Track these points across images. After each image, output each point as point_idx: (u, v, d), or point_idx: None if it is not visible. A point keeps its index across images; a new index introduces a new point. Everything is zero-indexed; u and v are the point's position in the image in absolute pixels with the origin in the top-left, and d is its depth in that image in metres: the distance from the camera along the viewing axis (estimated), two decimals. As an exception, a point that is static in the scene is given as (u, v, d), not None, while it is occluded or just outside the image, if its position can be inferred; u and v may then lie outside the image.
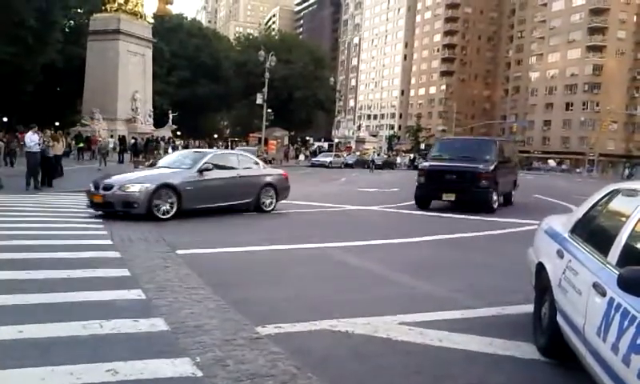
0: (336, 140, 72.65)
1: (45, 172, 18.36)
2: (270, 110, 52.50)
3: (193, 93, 77.08)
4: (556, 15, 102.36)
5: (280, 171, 15.92)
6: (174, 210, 11.71)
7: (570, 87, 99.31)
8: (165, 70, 69.82)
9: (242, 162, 14.29)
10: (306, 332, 4.89)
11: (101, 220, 11.10)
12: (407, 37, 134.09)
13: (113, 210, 11.47)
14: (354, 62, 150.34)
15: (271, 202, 14.18)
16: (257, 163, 15.15)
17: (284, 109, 74.36)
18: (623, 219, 3.66)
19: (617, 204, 4.18)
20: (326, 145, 77.34)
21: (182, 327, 4.72)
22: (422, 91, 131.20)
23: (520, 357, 4.54)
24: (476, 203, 16.15)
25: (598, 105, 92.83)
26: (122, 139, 39.10)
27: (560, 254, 4.44)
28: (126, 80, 42.93)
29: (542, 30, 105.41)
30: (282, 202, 14.90)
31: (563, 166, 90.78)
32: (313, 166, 52.28)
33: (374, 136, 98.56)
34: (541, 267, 4.88)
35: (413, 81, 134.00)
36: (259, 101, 50.58)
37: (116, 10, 43.35)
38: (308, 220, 13.92)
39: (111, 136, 40.08)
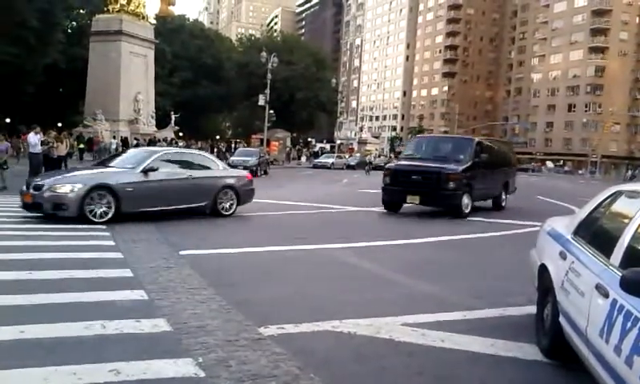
0: (338, 141, 72.61)
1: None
2: (271, 112, 52.54)
3: (195, 94, 77.11)
4: (558, 16, 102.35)
5: (243, 173, 14.94)
6: (111, 213, 10.80)
7: (573, 88, 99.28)
8: (167, 71, 69.89)
9: (196, 163, 13.24)
10: (308, 333, 4.89)
11: (103, 221, 11.10)
12: (409, 38, 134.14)
13: (42, 211, 10.73)
14: (356, 63, 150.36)
15: (231, 206, 13.10)
16: (215, 164, 13.96)
17: (286, 110, 74.40)
18: (626, 221, 3.66)
19: (619, 206, 4.17)
20: (327, 146, 77.33)
21: (185, 328, 4.72)
22: (424, 92, 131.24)
23: (522, 358, 4.54)
24: (443, 207, 15.20)
25: (600, 106, 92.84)
26: (124, 140, 39.14)
27: (563, 256, 4.44)
28: (129, 81, 42.93)
29: (544, 31, 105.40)
30: (287, 202, 14.78)
31: (565, 168, 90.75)
32: (315, 167, 52.30)
33: (376, 137, 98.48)
34: (543, 269, 4.88)
35: (415, 82, 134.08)
36: (261, 102, 50.63)
37: (118, 11, 43.34)
38: (310, 221, 13.91)
39: (113, 137, 40.10)
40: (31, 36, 46.53)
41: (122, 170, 11.85)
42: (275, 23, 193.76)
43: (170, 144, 41.36)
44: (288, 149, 60.11)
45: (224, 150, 49.33)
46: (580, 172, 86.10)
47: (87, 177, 11.39)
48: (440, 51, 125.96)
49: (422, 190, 14.81)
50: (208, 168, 13.32)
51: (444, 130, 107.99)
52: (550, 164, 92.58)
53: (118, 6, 43.54)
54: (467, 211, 14.94)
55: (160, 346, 4.29)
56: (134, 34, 43.68)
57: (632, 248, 3.35)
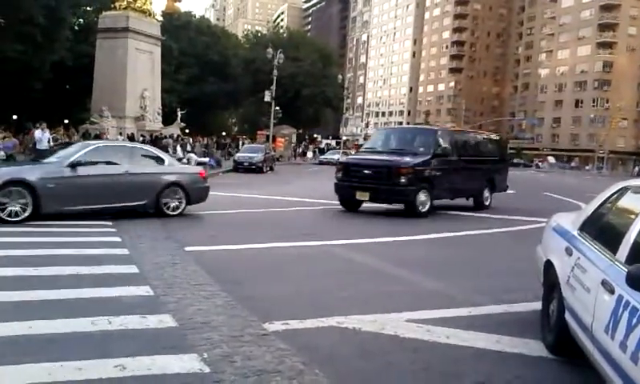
0: (344, 137, 72.46)
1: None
2: (277, 108, 52.52)
3: (201, 90, 77.19)
4: (566, 11, 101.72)
5: (194, 169, 13.82)
6: (28, 211, 9.79)
7: (580, 84, 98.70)
8: (173, 67, 69.91)
9: (135, 157, 11.94)
10: (313, 329, 4.90)
11: (109, 217, 11.15)
12: (416, 34, 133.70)
13: None
14: (363, 59, 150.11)
15: (178, 206, 11.88)
16: (162, 159, 12.55)
17: (292, 106, 74.33)
18: (632, 217, 3.65)
19: (626, 201, 4.15)
20: (333, 142, 77.23)
21: (190, 323, 4.74)
22: (430, 88, 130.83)
23: (528, 354, 4.53)
24: (395, 203, 14.10)
25: (608, 102, 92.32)
26: (130, 137, 39.25)
27: (569, 252, 4.42)
28: (135, 78, 42.97)
29: (551, 26, 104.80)
30: (293, 198, 14.59)
31: (573, 164, 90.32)
32: (321, 163, 52.23)
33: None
34: (549, 265, 4.86)
35: (421, 78, 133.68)
36: (267, 98, 50.60)
37: (125, 8, 43.38)
38: (315, 217, 13.91)
39: (120, 134, 40.20)
40: (38, 33, 46.68)
41: (45, 164, 11.01)
42: (281, 19, 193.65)
43: (176, 141, 41.48)
44: (294, 145, 60.09)
45: (226, 145, 49.35)
46: (587, 168, 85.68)
47: (3, 171, 10.49)
48: (447, 47, 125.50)
49: (372, 185, 13.60)
50: (152, 163, 12.13)
51: (451, 126, 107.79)
52: (551, 159, 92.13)
53: (125, 3, 43.58)
54: (425, 210, 13.70)
55: (165, 341, 4.31)
56: (140, 30, 43.72)
57: (638, 244, 3.33)
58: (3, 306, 4.96)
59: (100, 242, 8.48)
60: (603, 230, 4.22)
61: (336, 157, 55.21)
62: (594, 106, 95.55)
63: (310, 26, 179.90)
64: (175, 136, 44.90)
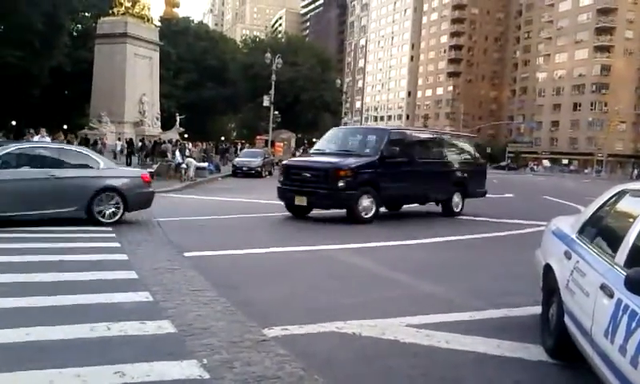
0: (343, 142, 72.46)
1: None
2: (276, 112, 52.52)
3: (200, 95, 77.35)
4: (563, 15, 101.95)
5: (135, 172, 12.61)
6: None
7: (578, 88, 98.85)
8: (172, 72, 70.10)
9: (66, 160, 10.82)
10: (312, 334, 4.89)
11: (109, 222, 11.12)
12: (414, 38, 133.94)
13: None
14: (361, 63, 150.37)
15: (115, 213, 10.77)
16: (96, 162, 11.22)
17: (290, 111, 74.37)
18: (631, 220, 3.64)
19: (624, 205, 4.15)
20: (332, 146, 77.09)
21: (189, 329, 4.72)
22: (428, 92, 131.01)
23: (528, 358, 4.53)
24: (333, 208, 13.42)
25: (606, 105, 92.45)
26: (129, 142, 39.30)
27: (567, 256, 4.42)
28: (134, 83, 43.08)
29: (549, 30, 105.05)
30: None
31: (571, 167, 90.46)
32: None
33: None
34: (548, 269, 4.86)
35: (420, 82, 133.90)
36: (266, 103, 50.61)
37: (123, 14, 43.54)
38: (316, 221, 13.87)
39: (118, 139, 40.25)
40: (36, 39, 46.83)
41: None
42: (280, 24, 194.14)
43: (175, 145, 41.46)
44: (293, 149, 60.07)
45: (224, 149, 49.31)
46: (586, 171, 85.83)
47: None
48: (445, 51, 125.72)
49: (310, 189, 12.80)
50: (83, 166, 10.92)
51: (449, 130, 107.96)
52: (546, 162, 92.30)
53: (123, 8, 43.74)
54: (369, 216, 12.80)
55: (164, 347, 4.29)
56: (138, 36, 43.84)
57: (637, 247, 3.33)
58: (1, 313, 4.94)
59: (99, 248, 8.46)
60: (602, 233, 4.22)
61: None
62: (592, 109, 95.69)
63: (308, 31, 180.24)
64: (174, 141, 44.91)
